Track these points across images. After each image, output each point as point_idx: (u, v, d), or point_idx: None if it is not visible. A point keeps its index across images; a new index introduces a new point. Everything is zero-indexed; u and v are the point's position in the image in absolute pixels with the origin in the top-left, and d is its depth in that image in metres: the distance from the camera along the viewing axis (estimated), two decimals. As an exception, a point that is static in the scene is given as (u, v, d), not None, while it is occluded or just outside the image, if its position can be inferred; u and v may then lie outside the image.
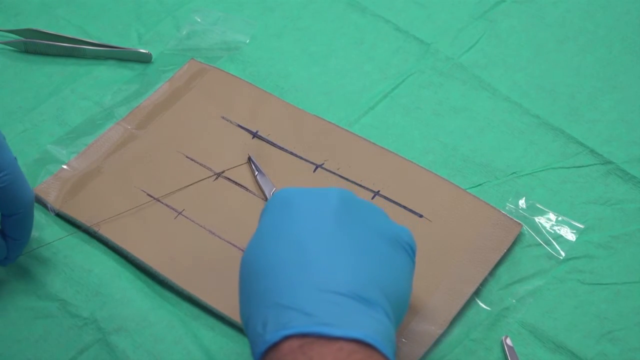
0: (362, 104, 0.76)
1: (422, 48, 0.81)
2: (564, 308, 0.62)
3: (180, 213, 0.68)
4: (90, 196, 0.69)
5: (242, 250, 0.54)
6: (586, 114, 0.74)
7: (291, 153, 0.72)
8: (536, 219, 0.67)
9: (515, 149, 0.72)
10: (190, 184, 0.70)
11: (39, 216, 0.68)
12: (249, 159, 0.71)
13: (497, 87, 0.77)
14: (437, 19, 0.83)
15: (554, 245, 0.65)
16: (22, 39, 0.81)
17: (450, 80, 0.78)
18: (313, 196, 0.53)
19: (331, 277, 0.48)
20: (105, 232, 0.67)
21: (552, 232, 0.66)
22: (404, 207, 0.67)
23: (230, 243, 0.66)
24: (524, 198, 0.68)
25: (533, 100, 0.76)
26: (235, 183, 0.70)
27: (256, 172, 0.70)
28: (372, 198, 0.68)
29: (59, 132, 0.75)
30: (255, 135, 0.73)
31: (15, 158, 0.60)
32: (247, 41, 0.82)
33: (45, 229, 0.68)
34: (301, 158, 0.71)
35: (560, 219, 0.67)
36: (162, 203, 0.68)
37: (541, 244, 0.65)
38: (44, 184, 0.70)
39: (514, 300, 0.62)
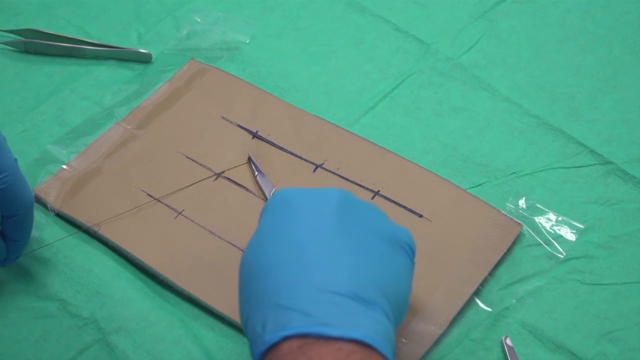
0: (362, 104, 0.76)
1: (422, 48, 0.81)
2: (564, 308, 0.62)
3: (180, 213, 0.68)
4: (90, 196, 0.69)
5: (242, 250, 0.54)
6: (586, 114, 0.74)
7: (291, 153, 0.72)
8: (536, 219, 0.67)
9: (515, 149, 0.72)
10: (190, 184, 0.70)
11: (39, 216, 0.68)
12: (249, 159, 0.71)
13: (497, 87, 0.77)
14: (437, 19, 0.83)
15: (554, 245, 0.65)
16: (22, 39, 0.81)
17: (450, 80, 0.78)
18: (313, 196, 0.53)
19: (330, 278, 0.48)
20: (105, 232, 0.67)
21: (552, 232, 0.66)
22: (404, 207, 0.67)
23: (230, 243, 0.66)
24: (524, 198, 0.68)
25: (533, 101, 0.76)
26: (235, 183, 0.70)
27: (256, 172, 0.70)
28: (372, 198, 0.68)
29: (59, 132, 0.75)
30: (255, 135, 0.73)
31: (16, 160, 0.60)
32: (247, 41, 0.82)
33: (45, 229, 0.68)
34: (301, 158, 0.71)
35: (560, 219, 0.67)
36: (162, 203, 0.68)
37: (541, 244, 0.65)
38: (44, 184, 0.70)
39: (514, 300, 0.62)
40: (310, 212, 0.52)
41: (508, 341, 0.60)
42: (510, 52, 0.80)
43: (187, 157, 0.72)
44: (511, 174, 0.70)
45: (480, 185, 0.70)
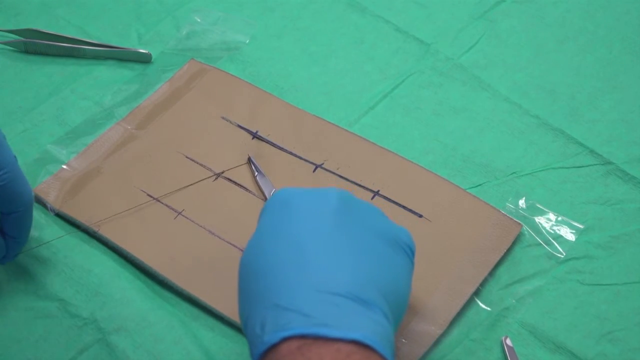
0: (362, 104, 0.76)
1: (422, 48, 0.81)
2: (564, 308, 0.62)
3: (180, 213, 0.68)
4: (90, 196, 0.69)
5: (242, 251, 0.54)
6: (586, 114, 0.74)
7: (291, 153, 0.72)
8: (536, 219, 0.67)
9: (515, 149, 0.72)
10: (190, 184, 0.70)
11: (39, 216, 0.68)
12: (249, 159, 0.71)
13: (497, 88, 0.77)
14: (437, 19, 0.83)
15: (554, 245, 0.65)
16: (22, 39, 0.81)
17: (450, 80, 0.78)
18: (312, 196, 0.53)
19: (330, 278, 0.48)
20: (105, 232, 0.67)
21: (552, 232, 0.66)
22: (404, 207, 0.67)
23: (230, 243, 0.66)
24: (524, 198, 0.68)
25: (533, 101, 0.75)
26: (235, 183, 0.70)
27: (256, 173, 0.70)
28: (372, 198, 0.68)
29: (59, 132, 0.75)
30: (255, 135, 0.73)
31: (15, 157, 0.60)
32: (247, 41, 0.82)
33: (45, 229, 0.68)
34: (301, 158, 0.71)
35: (560, 219, 0.67)
36: (162, 203, 0.68)
37: (541, 244, 0.65)
38: (44, 184, 0.70)
39: (514, 301, 0.62)
40: (309, 212, 0.52)
41: (508, 341, 0.60)
42: (510, 52, 0.80)
43: (187, 157, 0.72)
44: (511, 174, 0.70)
45: (480, 185, 0.70)
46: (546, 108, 0.75)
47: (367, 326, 0.47)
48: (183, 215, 0.68)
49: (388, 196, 0.68)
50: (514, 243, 0.65)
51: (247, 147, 0.72)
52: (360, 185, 0.69)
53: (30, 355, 0.61)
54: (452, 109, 0.75)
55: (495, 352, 0.60)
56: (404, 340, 0.59)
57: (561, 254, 0.65)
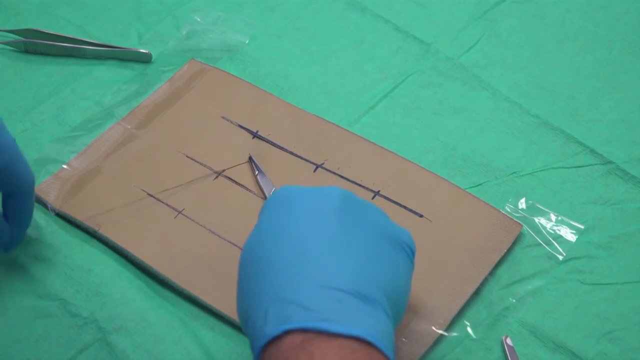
0: (362, 104, 0.76)
1: (422, 48, 0.81)
2: (564, 308, 0.62)
3: (180, 212, 0.68)
4: (90, 196, 0.69)
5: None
6: (586, 114, 0.74)
7: (291, 153, 0.72)
8: (536, 219, 0.67)
9: (515, 149, 0.72)
10: (190, 181, 0.70)
11: (39, 216, 0.68)
12: (250, 158, 0.71)
13: (497, 87, 0.77)
14: (437, 19, 0.83)
15: (554, 245, 0.65)
16: (22, 39, 0.81)
17: (450, 80, 0.78)
18: (313, 195, 0.53)
19: (332, 274, 0.48)
20: (105, 231, 0.67)
21: (552, 232, 0.66)
22: (404, 207, 0.67)
23: (230, 242, 0.66)
24: (524, 198, 0.68)
25: (533, 100, 0.76)
26: (236, 182, 0.70)
27: (256, 172, 0.70)
28: (372, 198, 0.68)
29: (59, 132, 0.75)
30: (255, 135, 0.73)
31: (14, 139, 0.61)
32: (247, 41, 0.82)
33: (45, 229, 0.68)
34: (301, 158, 0.71)
35: (560, 219, 0.67)
36: (162, 202, 0.68)
37: (541, 244, 0.65)
38: (44, 184, 0.70)
39: (514, 300, 0.62)
40: (311, 210, 0.52)
41: (508, 341, 0.60)
42: (510, 52, 0.80)
43: (187, 156, 0.72)
44: (511, 174, 0.70)
45: (480, 185, 0.70)
46: (546, 108, 0.75)
47: (370, 323, 0.47)
48: (183, 215, 0.68)
49: (388, 196, 0.68)
50: (514, 243, 0.65)
51: (247, 147, 0.72)
52: (360, 185, 0.69)
53: (30, 354, 0.61)
54: (452, 108, 0.75)
55: (496, 352, 0.60)
56: (404, 340, 0.59)
57: (561, 254, 0.65)
